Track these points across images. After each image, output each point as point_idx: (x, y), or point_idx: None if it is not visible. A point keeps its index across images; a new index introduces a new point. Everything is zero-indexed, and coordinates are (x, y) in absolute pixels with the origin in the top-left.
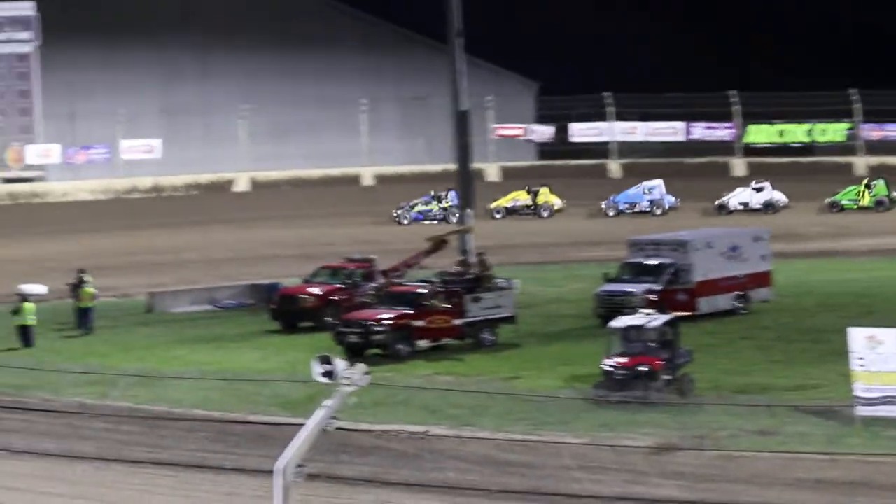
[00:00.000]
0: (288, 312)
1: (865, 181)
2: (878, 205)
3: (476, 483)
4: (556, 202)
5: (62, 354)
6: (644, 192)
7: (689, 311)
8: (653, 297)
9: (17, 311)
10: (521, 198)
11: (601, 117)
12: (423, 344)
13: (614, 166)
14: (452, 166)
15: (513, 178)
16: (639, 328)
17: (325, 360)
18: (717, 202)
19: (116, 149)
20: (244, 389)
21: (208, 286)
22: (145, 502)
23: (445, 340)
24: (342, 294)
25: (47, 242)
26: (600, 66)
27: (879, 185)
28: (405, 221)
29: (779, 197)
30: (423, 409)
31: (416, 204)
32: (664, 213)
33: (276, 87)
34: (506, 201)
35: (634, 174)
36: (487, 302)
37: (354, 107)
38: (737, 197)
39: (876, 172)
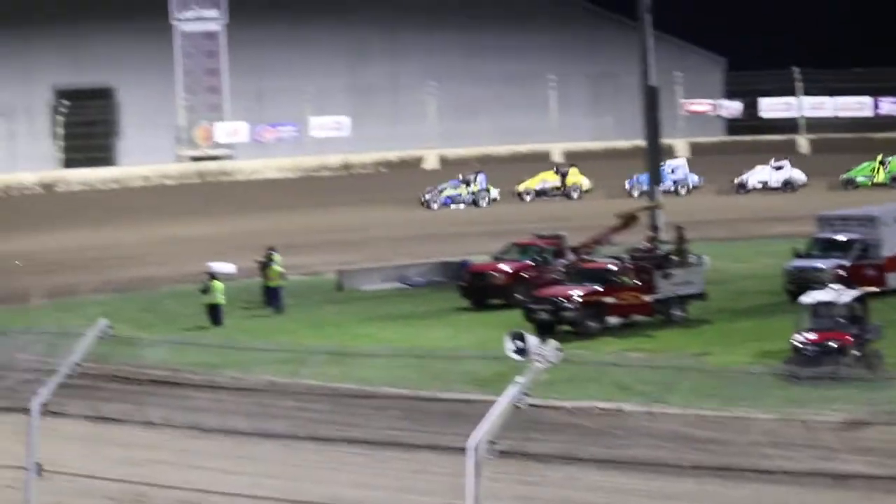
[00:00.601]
0: (478, 289)
1: (879, 157)
2: (894, 181)
3: (666, 459)
4: (585, 183)
5: (251, 333)
6: (668, 172)
7: (878, 287)
8: (842, 272)
9: (206, 290)
10: (549, 179)
11: (790, 92)
12: (613, 321)
13: (803, 142)
14: (641, 142)
15: (702, 153)
16: (829, 304)
17: (518, 337)
18: (736, 180)
19: (305, 126)
20: (434, 367)
21: (398, 264)
22: (336, 480)
23: (635, 317)
24: (532, 271)
25: (236, 221)
26: (789, 41)
27: (894, 162)
28: (435, 206)
29: (797, 175)
30: (613, 385)
31: (445, 188)
32: (689, 192)
33: (465, 63)
34: (534, 183)
35: (823, 150)
36: (677, 278)
37: (543, 83)
38: (756, 175)
39: None
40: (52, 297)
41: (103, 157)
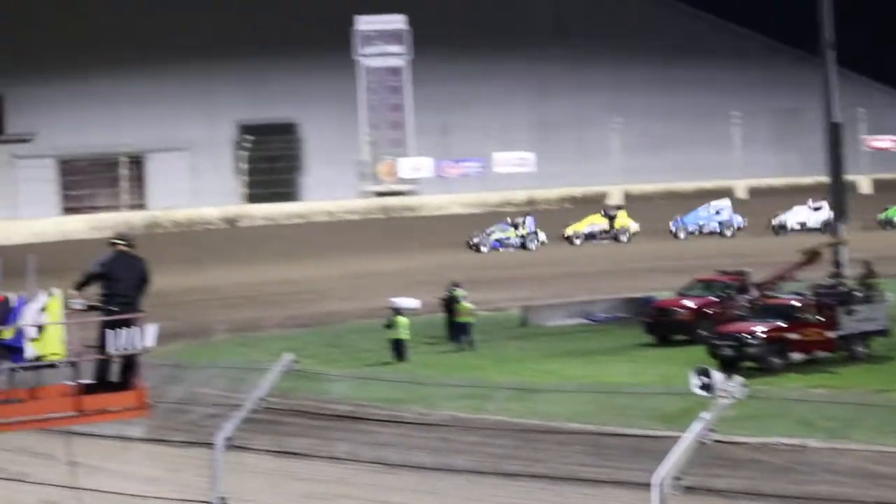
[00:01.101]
0: (662, 325)
1: None
2: None
3: (850, 496)
4: (633, 226)
5: (435, 368)
6: (713, 213)
7: None
8: None
9: (390, 325)
10: (597, 222)
11: None
12: (796, 357)
13: None
14: (825, 178)
15: (886, 190)
16: None
17: (704, 373)
18: (774, 221)
19: (489, 162)
20: (618, 402)
21: (582, 299)
22: None
23: (818, 353)
24: (716, 307)
25: (420, 256)
26: None
27: None
28: (485, 249)
29: None
30: (797, 421)
31: (494, 231)
32: (734, 233)
33: (648, 99)
34: (582, 226)
35: None
36: (860, 314)
37: (726, 119)
38: (795, 216)
39: None
40: (235, 331)
41: (287, 192)
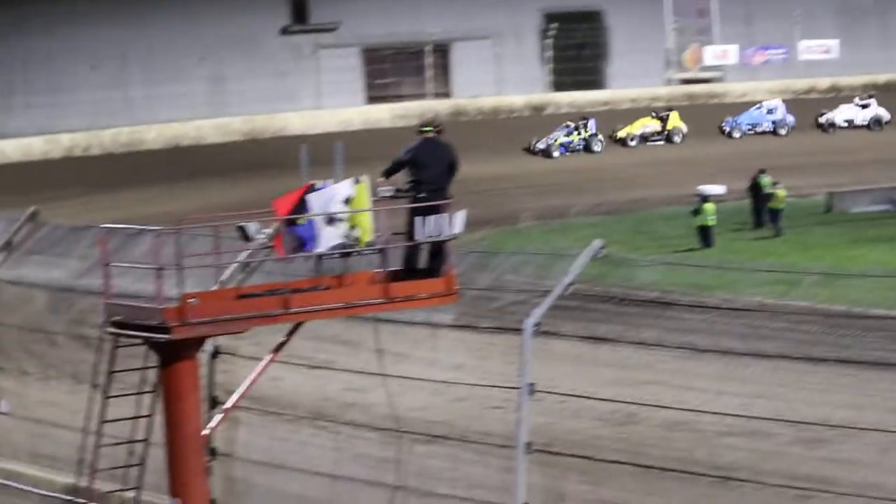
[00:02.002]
0: None
1: None
2: None
3: None
4: (684, 127)
5: (740, 254)
6: (766, 113)
7: None
8: None
9: (697, 212)
10: (649, 124)
11: None
12: None
13: None
14: None
15: None
16: None
17: None
18: (821, 119)
19: (793, 50)
20: None
21: (888, 185)
22: (826, 401)
23: None
24: None
25: (724, 143)
26: None
27: None
28: (556, 154)
29: (883, 113)
30: None
31: (557, 137)
32: (787, 133)
33: None
34: (635, 128)
35: None
36: None
37: None
38: (842, 113)
39: None
40: (541, 218)
41: (592, 80)
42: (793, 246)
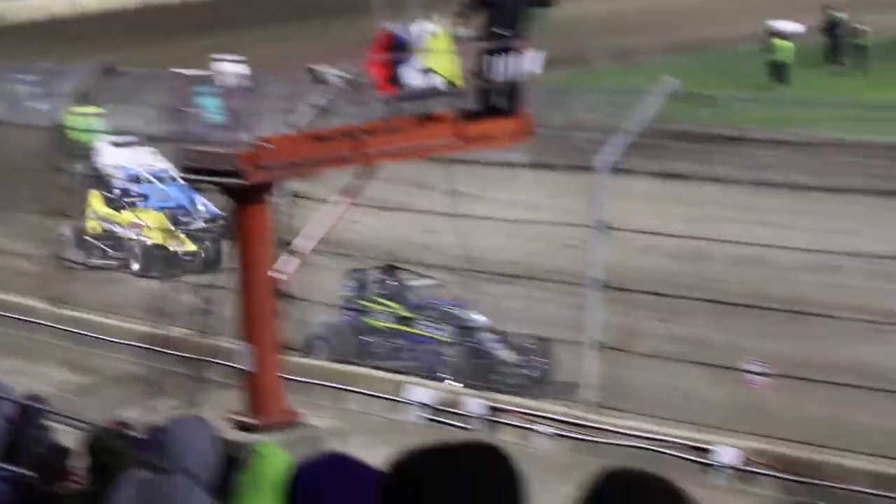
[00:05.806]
0: None
1: None
2: None
3: None
4: None
5: (815, 90)
6: None
7: None
8: None
9: (770, 49)
10: None
11: None
12: None
13: None
14: None
15: None
16: None
17: None
18: None
19: None
20: None
21: None
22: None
23: None
24: None
25: None
26: None
27: None
28: None
29: None
30: None
31: None
32: None
33: None
34: None
35: None
36: None
37: None
38: None
39: None
40: (614, 58)
41: None
42: (865, 82)
